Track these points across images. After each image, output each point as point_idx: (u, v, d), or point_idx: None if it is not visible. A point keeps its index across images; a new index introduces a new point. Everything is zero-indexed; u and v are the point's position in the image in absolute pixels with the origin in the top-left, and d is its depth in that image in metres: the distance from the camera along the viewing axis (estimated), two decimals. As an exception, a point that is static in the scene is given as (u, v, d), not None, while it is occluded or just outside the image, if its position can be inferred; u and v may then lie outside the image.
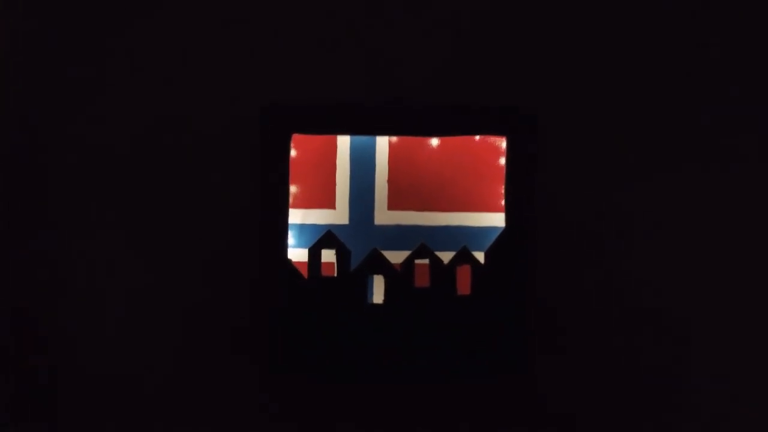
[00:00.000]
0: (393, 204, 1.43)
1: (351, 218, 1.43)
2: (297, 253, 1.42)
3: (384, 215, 1.43)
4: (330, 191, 1.43)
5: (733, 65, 1.46)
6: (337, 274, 1.37)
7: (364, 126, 1.40)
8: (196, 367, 1.43)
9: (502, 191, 1.42)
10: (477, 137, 1.44)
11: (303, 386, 1.42)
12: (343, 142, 1.44)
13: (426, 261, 1.38)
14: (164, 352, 1.43)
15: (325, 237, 1.37)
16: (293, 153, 1.43)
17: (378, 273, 1.37)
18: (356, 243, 1.41)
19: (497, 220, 1.43)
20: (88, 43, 1.43)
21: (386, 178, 1.43)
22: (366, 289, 1.37)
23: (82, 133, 1.43)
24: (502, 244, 1.39)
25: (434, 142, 1.44)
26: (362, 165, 1.43)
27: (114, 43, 1.43)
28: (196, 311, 1.44)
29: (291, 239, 1.42)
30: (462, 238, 1.42)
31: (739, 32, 1.46)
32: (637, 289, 1.46)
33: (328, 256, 1.39)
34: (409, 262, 1.38)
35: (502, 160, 1.43)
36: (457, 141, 1.44)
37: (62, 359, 1.43)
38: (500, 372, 1.40)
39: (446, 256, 1.40)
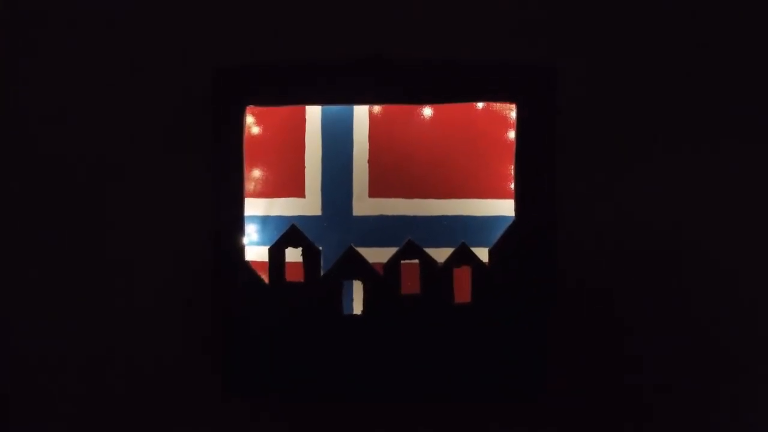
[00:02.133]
0: (375, 190, 1.18)
1: (324, 208, 1.18)
2: (260, 252, 1.17)
3: (364, 204, 1.18)
4: (298, 175, 1.18)
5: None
6: (305, 278, 1.12)
7: (337, 92, 1.14)
8: (156, 382, 1.24)
9: (511, 172, 1.15)
10: (479, 105, 1.17)
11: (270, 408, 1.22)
12: (313, 113, 1.18)
13: (415, 261, 1.12)
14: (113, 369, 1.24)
15: (288, 233, 1.12)
16: (256, 130, 1.18)
17: (355, 277, 1.12)
18: (331, 238, 1.17)
19: (505, 208, 1.17)
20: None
21: (366, 158, 1.17)
22: (340, 297, 1.13)
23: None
24: (511, 239, 1.12)
25: (426, 111, 1.18)
26: (337, 142, 1.17)
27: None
28: (149, 320, 1.23)
29: (254, 235, 1.17)
30: (461, 232, 1.17)
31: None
32: (687, 295, 1.22)
33: (296, 255, 1.14)
34: (393, 264, 1.12)
35: (511, 134, 1.16)
36: (454, 110, 1.17)
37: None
38: (507, 399, 1.14)
39: (441, 254, 1.14)
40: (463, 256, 1.12)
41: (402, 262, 1.13)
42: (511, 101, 1.14)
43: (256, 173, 1.18)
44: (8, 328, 1.24)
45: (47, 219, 1.23)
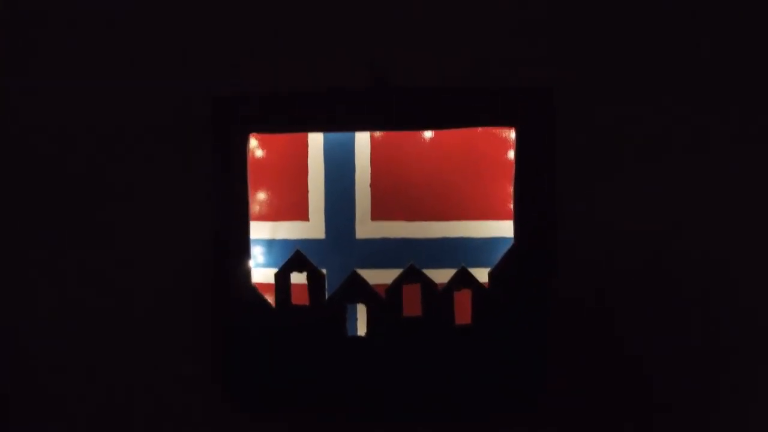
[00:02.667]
0: (377, 213, 1.19)
1: (328, 231, 1.20)
2: (266, 274, 1.20)
3: (367, 227, 1.19)
4: (302, 199, 1.20)
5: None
6: (310, 302, 1.15)
7: (340, 119, 1.15)
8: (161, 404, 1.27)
9: (511, 192, 1.16)
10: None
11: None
12: (315, 138, 1.19)
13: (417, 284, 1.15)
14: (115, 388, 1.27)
15: (293, 259, 1.15)
16: (260, 153, 1.20)
17: (358, 301, 1.15)
18: (335, 261, 1.19)
19: (505, 229, 1.18)
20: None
21: (368, 181, 1.19)
22: (344, 319, 1.15)
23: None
24: (511, 263, 1.13)
25: (427, 134, 1.19)
26: (339, 166, 1.19)
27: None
28: (154, 335, 1.26)
29: (260, 257, 1.20)
30: (462, 253, 1.18)
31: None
32: (686, 297, 1.22)
33: (301, 276, 1.16)
34: (395, 288, 1.14)
35: (511, 154, 1.16)
36: (454, 132, 1.18)
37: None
38: (507, 410, 1.18)
39: (443, 275, 1.16)
40: (464, 279, 1.14)
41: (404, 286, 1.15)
42: (510, 126, 1.14)
43: (261, 197, 1.20)
44: (8, 327, 1.26)
45: (47, 220, 1.25)
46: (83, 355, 1.26)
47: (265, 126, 1.15)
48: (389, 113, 1.13)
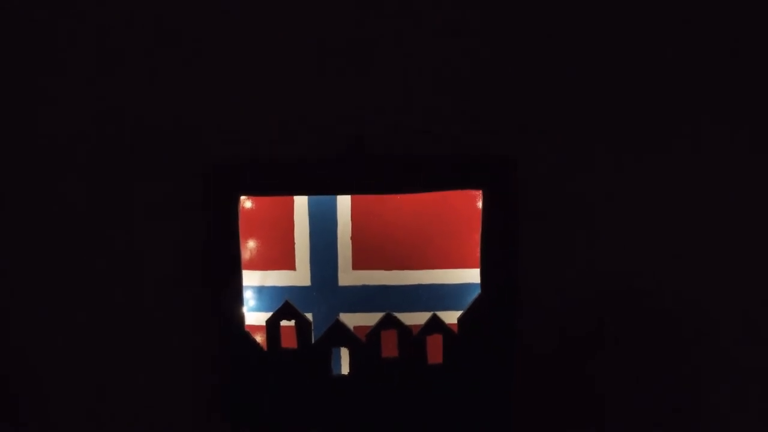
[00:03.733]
0: (358, 263, 1.31)
1: (313, 279, 1.31)
2: (258, 317, 1.32)
3: (349, 276, 1.31)
4: (289, 251, 1.31)
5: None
6: (298, 346, 1.28)
7: (320, 185, 1.26)
8: None
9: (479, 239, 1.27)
10: (450, 186, 1.28)
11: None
12: (301, 197, 1.29)
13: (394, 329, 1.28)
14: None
15: (282, 308, 1.27)
16: (249, 205, 1.30)
17: (341, 345, 1.28)
18: (320, 306, 1.32)
19: (474, 275, 1.30)
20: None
21: (350, 235, 1.30)
22: (329, 361, 1.29)
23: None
24: (477, 311, 1.26)
25: (402, 191, 1.29)
26: (322, 222, 1.30)
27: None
28: (154, 375, 1.39)
29: (251, 302, 1.33)
30: (434, 298, 1.31)
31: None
32: (659, 356, 1.34)
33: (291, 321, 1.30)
34: (374, 334, 1.28)
35: (480, 204, 1.27)
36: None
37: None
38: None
39: (418, 318, 1.30)
40: (435, 326, 1.27)
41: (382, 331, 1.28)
42: (477, 189, 1.25)
43: (251, 247, 1.31)
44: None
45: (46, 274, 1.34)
46: (79, 390, 1.37)
47: (253, 191, 1.25)
48: (364, 180, 1.23)
